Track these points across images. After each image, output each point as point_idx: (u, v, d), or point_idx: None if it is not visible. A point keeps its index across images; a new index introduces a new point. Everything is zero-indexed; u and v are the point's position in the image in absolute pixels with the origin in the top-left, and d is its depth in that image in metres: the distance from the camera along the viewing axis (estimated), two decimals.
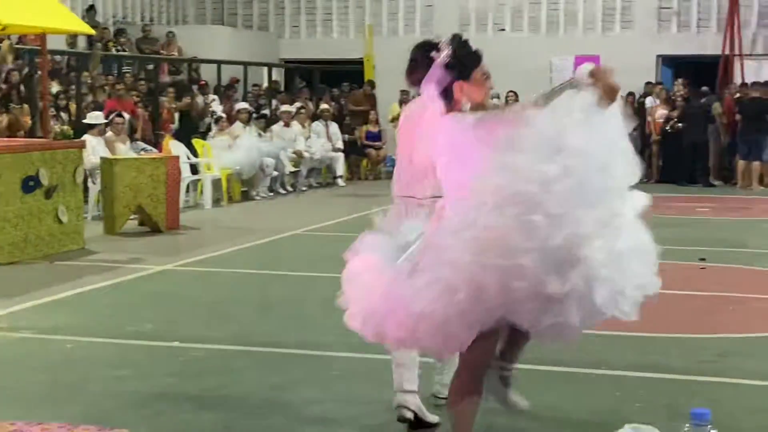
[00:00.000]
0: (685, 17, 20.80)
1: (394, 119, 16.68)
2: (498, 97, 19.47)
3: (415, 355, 4.93)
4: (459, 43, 4.01)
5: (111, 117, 13.60)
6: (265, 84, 20.76)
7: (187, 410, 5.23)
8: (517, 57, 20.01)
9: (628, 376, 5.83)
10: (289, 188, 17.17)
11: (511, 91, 19.22)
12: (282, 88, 21.28)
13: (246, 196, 15.86)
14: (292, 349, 6.50)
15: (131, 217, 11.99)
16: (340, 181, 18.20)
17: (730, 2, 19.78)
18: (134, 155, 13.04)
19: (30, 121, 13.97)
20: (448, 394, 4.14)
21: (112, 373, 5.92)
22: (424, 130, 4.47)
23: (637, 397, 5.38)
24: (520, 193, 3.62)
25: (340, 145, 18.58)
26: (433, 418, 4.98)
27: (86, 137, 12.51)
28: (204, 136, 16.40)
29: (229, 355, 6.38)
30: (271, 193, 16.41)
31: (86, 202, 12.21)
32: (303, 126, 17.97)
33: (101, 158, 12.27)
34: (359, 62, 21.53)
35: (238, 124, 16.44)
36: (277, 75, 22.10)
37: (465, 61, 3.98)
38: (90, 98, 15.53)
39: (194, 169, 15.13)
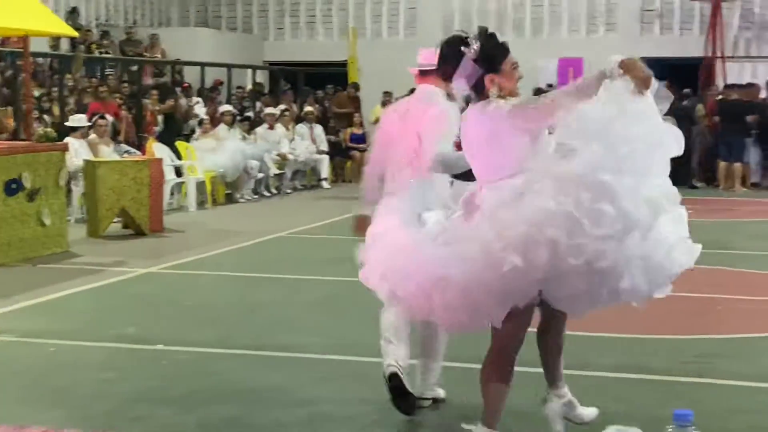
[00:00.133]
0: (667, 20, 20.90)
1: (377, 120, 16.69)
2: None
3: (405, 335, 5.08)
4: (486, 37, 4.13)
5: (94, 119, 13.55)
6: (249, 86, 20.74)
7: (172, 413, 5.21)
8: None
9: (612, 378, 5.84)
10: (274, 191, 17.15)
11: None
12: (266, 91, 21.26)
13: (230, 199, 15.83)
14: (277, 351, 6.49)
15: (115, 219, 11.95)
16: (324, 184, 18.19)
17: (712, 5, 19.87)
18: (117, 158, 12.99)
19: (13, 124, 13.92)
20: (480, 369, 4.24)
21: (96, 376, 5.90)
22: (426, 128, 4.86)
23: (620, 398, 5.39)
24: (597, 181, 3.73)
25: (324, 147, 18.58)
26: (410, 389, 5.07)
27: (69, 140, 12.46)
28: (188, 138, 16.36)
29: (214, 357, 6.37)
30: (256, 196, 16.39)
31: (69, 204, 12.16)
32: (287, 128, 17.96)
33: (84, 161, 12.22)
34: (343, 64, 21.53)
35: (222, 127, 16.41)
36: (261, 77, 22.08)
37: (494, 53, 4.12)
38: (73, 101, 15.48)
39: (178, 171, 15.09)
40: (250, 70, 21.28)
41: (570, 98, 3.90)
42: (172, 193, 14.68)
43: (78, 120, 13.33)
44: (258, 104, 19.68)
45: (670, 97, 4.00)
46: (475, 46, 4.08)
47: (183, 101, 17.70)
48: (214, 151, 15.48)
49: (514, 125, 3.95)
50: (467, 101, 5.39)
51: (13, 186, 9.94)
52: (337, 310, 7.83)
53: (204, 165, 15.13)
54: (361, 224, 5.28)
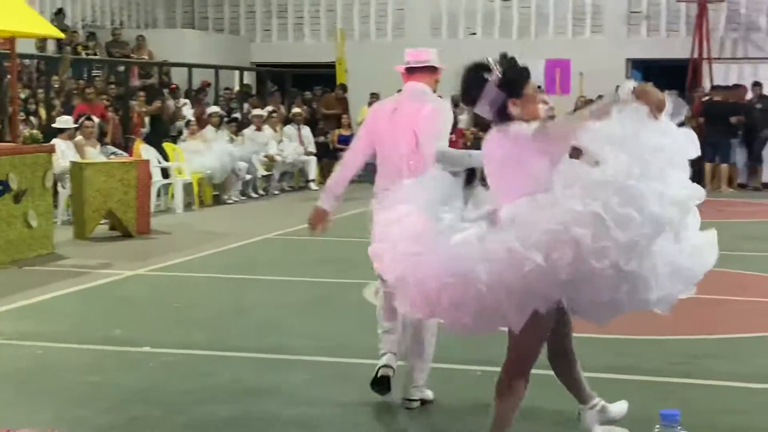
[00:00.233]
0: (654, 21, 20.96)
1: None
2: None
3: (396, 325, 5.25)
4: (508, 63, 4.23)
5: (80, 121, 13.50)
6: (237, 88, 20.71)
7: (159, 416, 5.19)
8: None
9: (603, 378, 5.83)
10: (262, 192, 17.12)
11: None
12: (254, 92, 21.23)
13: (218, 200, 15.80)
14: (265, 353, 6.47)
15: (101, 221, 11.91)
16: (312, 185, 18.16)
17: (698, 6, 19.93)
18: (104, 159, 12.94)
19: None
20: (499, 375, 4.26)
21: (84, 378, 5.87)
22: (423, 125, 5.00)
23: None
24: (625, 186, 3.80)
25: (312, 148, 18.57)
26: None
27: (56, 141, 12.42)
28: (175, 140, 16.33)
29: (201, 360, 6.35)
30: (243, 197, 16.37)
31: (56, 206, 12.11)
32: (275, 130, 17.94)
33: (71, 162, 12.18)
34: (331, 66, 21.52)
35: (209, 128, 16.38)
36: (249, 79, 22.06)
37: (516, 78, 4.20)
38: (59, 102, 15.42)
39: (165, 173, 15.05)
40: (237, 72, 21.25)
41: (589, 119, 4.01)
42: (159, 195, 14.64)
43: (64, 122, 13.27)
44: (245, 106, 19.65)
45: (686, 107, 4.10)
46: (497, 71, 4.17)
47: (170, 103, 17.65)
48: (202, 153, 15.46)
49: (538, 148, 4.05)
50: (455, 102, 5.44)
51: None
52: (326, 311, 7.82)
53: (191, 166, 15.09)
54: (318, 216, 5.36)
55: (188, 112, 17.55)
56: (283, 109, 19.74)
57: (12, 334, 6.96)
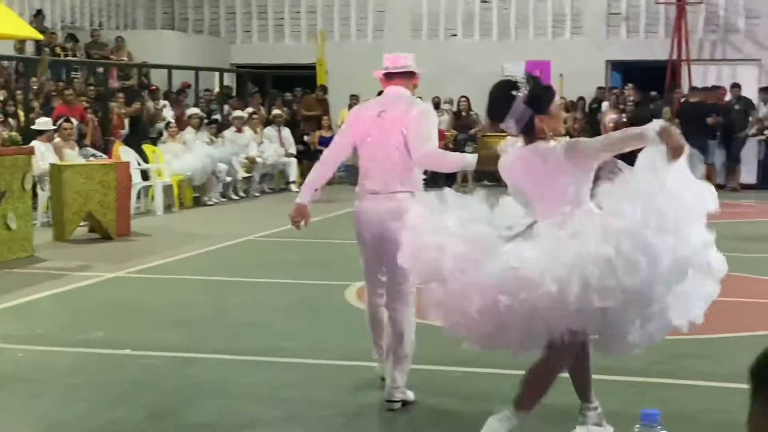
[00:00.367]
0: (633, 23, 21.05)
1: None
2: (450, 102, 19.58)
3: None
4: (534, 81, 4.47)
5: (59, 123, 13.44)
6: (217, 89, 20.66)
7: (142, 418, 5.17)
8: (469, 62, 20.12)
9: None
10: (242, 194, 17.09)
11: (463, 96, 19.32)
12: (234, 94, 21.19)
13: (198, 202, 15.76)
14: (247, 355, 6.46)
15: (81, 223, 11.86)
16: (293, 187, 18.12)
17: (677, 8, 20.04)
18: (83, 161, 12.89)
19: None
20: (528, 371, 4.48)
21: (65, 381, 5.85)
22: (412, 128, 5.12)
23: None
24: (640, 235, 4.06)
25: (292, 150, 18.55)
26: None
27: (35, 143, 12.36)
28: (155, 141, 16.27)
29: (183, 362, 6.33)
30: (224, 199, 16.33)
31: (35, 208, 12.05)
32: (255, 131, 17.91)
33: (50, 164, 12.12)
34: (311, 67, 21.50)
35: (189, 130, 16.34)
36: (229, 80, 22.01)
37: (542, 95, 4.43)
38: (38, 104, 15.35)
39: (145, 175, 15.01)
40: (217, 73, 21.20)
41: (617, 144, 4.28)
42: (138, 197, 14.59)
43: (44, 123, 13.22)
44: (225, 107, 19.61)
45: (702, 162, 4.40)
46: (525, 89, 4.36)
47: (150, 104, 17.60)
48: (182, 155, 15.41)
49: (573, 164, 4.28)
50: (436, 104, 5.58)
51: None
52: (307, 313, 7.81)
53: (171, 168, 15.05)
54: (300, 212, 5.42)
55: (168, 113, 17.49)
56: (263, 110, 19.71)
57: None
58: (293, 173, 18.31)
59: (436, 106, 18.81)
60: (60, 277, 9.25)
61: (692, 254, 4.20)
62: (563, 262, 4.08)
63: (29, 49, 17.93)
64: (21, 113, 14.92)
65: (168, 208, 14.81)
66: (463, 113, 19.38)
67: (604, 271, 4.03)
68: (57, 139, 13.15)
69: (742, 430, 1.25)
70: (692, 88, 18.99)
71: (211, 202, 15.81)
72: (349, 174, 15.07)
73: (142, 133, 16.62)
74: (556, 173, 4.30)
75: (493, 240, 4.31)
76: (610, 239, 4.08)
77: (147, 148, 15.55)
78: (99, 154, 14.28)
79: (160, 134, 16.64)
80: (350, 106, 17.88)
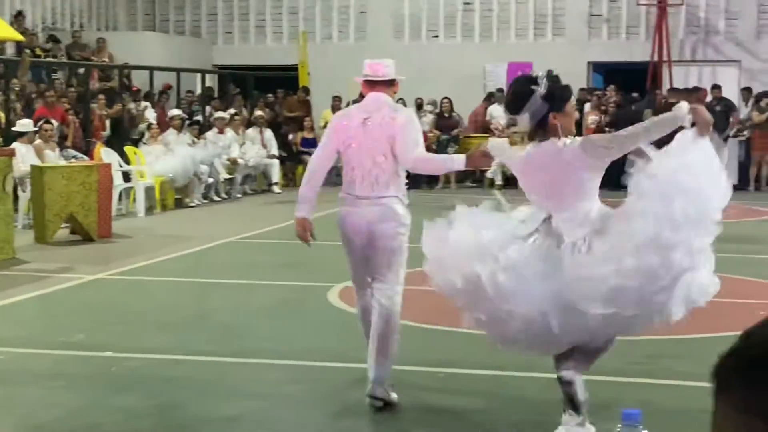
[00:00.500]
0: (615, 25, 21.13)
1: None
2: (433, 103, 19.60)
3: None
4: (553, 79, 4.54)
5: (39, 124, 13.38)
6: (199, 90, 20.62)
7: (123, 421, 5.17)
8: (451, 63, 20.16)
9: None
10: (224, 195, 17.06)
11: (445, 98, 19.35)
12: (215, 95, 21.15)
13: (180, 204, 15.72)
14: (228, 357, 6.46)
15: (62, 225, 11.81)
16: (275, 188, 18.13)
17: (658, 10, 20.13)
18: (64, 163, 12.84)
19: None
20: (557, 359, 4.73)
21: (46, 384, 5.83)
22: (401, 134, 5.20)
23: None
24: (661, 236, 4.27)
25: (275, 151, 18.53)
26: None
27: (16, 145, 12.31)
28: (136, 143, 16.22)
29: (164, 364, 6.32)
30: (206, 201, 16.30)
31: (16, 210, 12.00)
32: (237, 133, 17.88)
33: (31, 166, 12.07)
34: (293, 68, 21.48)
35: (171, 131, 16.30)
36: (211, 81, 21.97)
37: (560, 93, 4.52)
38: (19, 106, 15.28)
39: (126, 176, 14.97)
40: (199, 75, 21.16)
41: (639, 137, 4.43)
42: (120, 199, 14.54)
43: (25, 125, 13.16)
44: (207, 108, 19.57)
45: (724, 146, 4.55)
46: (544, 85, 4.46)
47: (131, 106, 17.54)
48: (164, 156, 15.37)
49: (595, 158, 4.41)
50: (419, 105, 5.65)
51: None
52: (290, 314, 7.81)
53: (153, 170, 15.01)
54: (304, 227, 5.44)
55: (150, 115, 17.44)
56: (245, 111, 19.68)
57: None
58: (275, 175, 18.29)
59: (419, 107, 18.84)
60: (41, 279, 9.22)
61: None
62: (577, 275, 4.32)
63: (10, 51, 17.84)
64: (2, 115, 14.85)
65: (150, 209, 14.77)
66: (446, 114, 19.40)
67: (652, 283, 4.29)
68: (38, 141, 13.10)
69: None
70: (671, 89, 19.07)
71: (193, 204, 15.78)
72: (331, 175, 15.05)
73: (123, 135, 16.58)
74: (574, 168, 4.40)
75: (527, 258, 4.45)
76: (647, 248, 4.26)
77: (129, 149, 15.51)
78: (80, 155, 14.23)
79: (142, 136, 16.59)
80: (333, 107, 17.89)
